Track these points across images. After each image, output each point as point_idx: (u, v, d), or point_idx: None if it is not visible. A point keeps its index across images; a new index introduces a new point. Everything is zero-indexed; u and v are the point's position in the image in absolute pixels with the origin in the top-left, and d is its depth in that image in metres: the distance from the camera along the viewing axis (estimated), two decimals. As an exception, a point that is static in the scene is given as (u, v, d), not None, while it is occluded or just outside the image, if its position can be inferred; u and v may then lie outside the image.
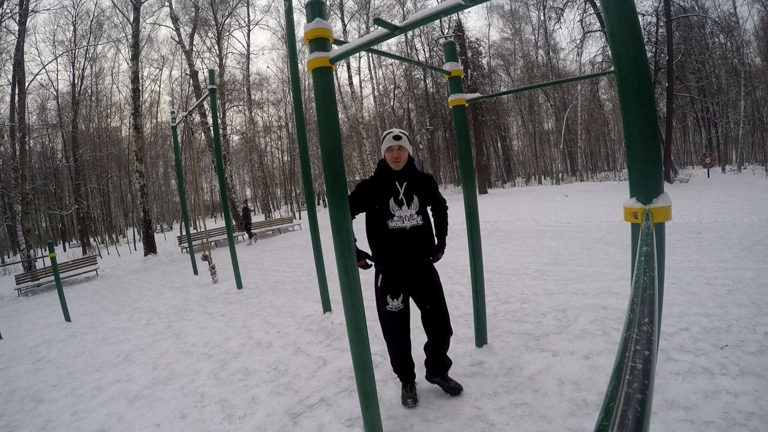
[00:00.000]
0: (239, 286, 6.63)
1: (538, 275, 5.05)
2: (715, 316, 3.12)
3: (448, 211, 2.46)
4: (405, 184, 2.18)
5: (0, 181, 17.31)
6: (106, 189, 24.30)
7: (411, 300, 2.36)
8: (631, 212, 1.21)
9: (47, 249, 6.86)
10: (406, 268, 2.23)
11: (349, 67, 26.27)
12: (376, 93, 28.35)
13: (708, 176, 17.55)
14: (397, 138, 2.13)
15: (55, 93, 22.35)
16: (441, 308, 2.31)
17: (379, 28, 1.67)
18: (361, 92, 30.57)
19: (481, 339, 3.12)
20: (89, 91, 23.70)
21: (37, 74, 18.39)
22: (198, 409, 2.80)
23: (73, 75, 20.69)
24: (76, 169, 20.00)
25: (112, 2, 16.48)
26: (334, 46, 1.91)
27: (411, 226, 2.16)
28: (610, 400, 0.35)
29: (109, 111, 26.63)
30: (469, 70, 23.58)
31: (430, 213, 2.36)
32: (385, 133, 2.19)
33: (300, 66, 17.15)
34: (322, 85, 1.82)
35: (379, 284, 2.29)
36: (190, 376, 3.37)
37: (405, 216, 2.16)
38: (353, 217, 2.15)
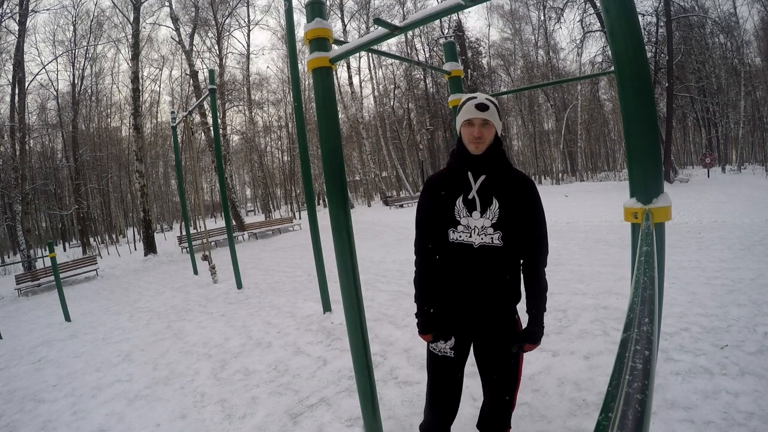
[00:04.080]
0: (239, 286, 6.63)
1: (538, 275, 5.05)
2: (715, 316, 3.12)
3: (547, 260, 1.44)
4: (483, 177, 1.38)
5: (0, 181, 17.31)
6: (106, 189, 24.29)
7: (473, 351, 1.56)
8: (631, 212, 1.21)
9: (47, 249, 6.86)
10: (467, 309, 1.43)
11: (349, 67, 26.28)
12: (376, 93, 28.34)
13: (708, 176, 17.54)
14: (482, 108, 1.34)
15: (55, 93, 22.33)
16: (505, 400, 1.53)
17: (379, 28, 1.67)
18: (361, 92, 30.56)
19: (481, 339, 3.12)
20: (89, 91, 23.69)
21: (37, 74, 18.39)
22: (198, 409, 2.81)
23: (73, 75, 20.69)
24: (76, 169, 19.99)
25: (112, 2, 16.48)
26: (334, 46, 1.91)
27: (480, 244, 1.36)
28: (610, 400, 0.35)
29: (109, 111, 26.61)
30: (469, 70, 23.60)
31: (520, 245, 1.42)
32: (464, 99, 1.41)
33: (300, 66, 17.14)
34: (322, 85, 1.82)
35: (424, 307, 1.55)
36: (190, 376, 3.37)
37: (475, 227, 1.36)
38: (429, 245, 1.48)
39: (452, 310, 1.46)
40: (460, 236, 1.38)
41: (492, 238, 1.35)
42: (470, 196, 1.38)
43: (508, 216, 1.35)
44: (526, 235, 1.38)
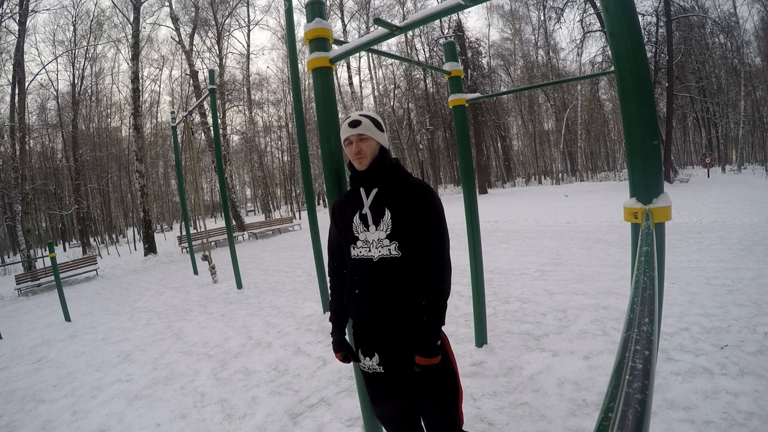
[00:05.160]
0: (239, 286, 6.63)
1: (538, 275, 5.05)
2: (715, 316, 3.12)
3: (446, 267, 1.36)
4: (374, 191, 1.42)
5: (0, 181, 17.31)
6: (106, 189, 24.30)
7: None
8: (631, 212, 1.21)
9: (47, 249, 6.86)
10: (375, 323, 1.40)
11: (349, 67, 26.29)
12: (376, 93, 28.37)
13: (708, 176, 17.55)
14: (354, 124, 1.40)
15: (55, 93, 22.34)
16: (443, 416, 1.42)
17: (379, 28, 1.67)
18: (361, 92, 30.60)
19: (481, 339, 3.12)
20: (89, 91, 23.70)
21: (37, 74, 18.41)
22: (198, 409, 2.81)
23: (73, 75, 20.68)
24: (76, 169, 19.99)
25: (112, 2, 16.49)
26: (334, 46, 1.91)
27: (380, 257, 1.36)
28: (610, 400, 0.35)
29: (109, 111, 26.63)
30: (469, 70, 23.58)
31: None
32: (343, 119, 1.47)
33: (300, 66, 17.15)
34: (322, 85, 1.82)
35: (352, 327, 1.55)
36: (190, 376, 3.37)
37: (372, 241, 1.38)
38: (339, 268, 1.54)
39: (364, 326, 1.44)
40: (360, 251, 1.40)
41: (389, 249, 1.35)
42: (364, 211, 1.41)
43: (403, 225, 1.35)
44: (420, 241, 1.35)
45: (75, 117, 20.47)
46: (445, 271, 1.36)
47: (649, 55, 12.97)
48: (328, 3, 23.09)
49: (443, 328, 1.38)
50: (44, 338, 5.39)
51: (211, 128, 13.95)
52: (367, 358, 1.44)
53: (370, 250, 1.38)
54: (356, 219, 1.42)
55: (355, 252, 1.42)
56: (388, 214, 1.36)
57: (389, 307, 1.35)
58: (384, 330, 1.39)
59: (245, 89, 25.20)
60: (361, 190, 1.45)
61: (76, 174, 20.12)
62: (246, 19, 24.10)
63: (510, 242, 7.68)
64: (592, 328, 3.23)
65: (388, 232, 1.35)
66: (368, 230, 1.39)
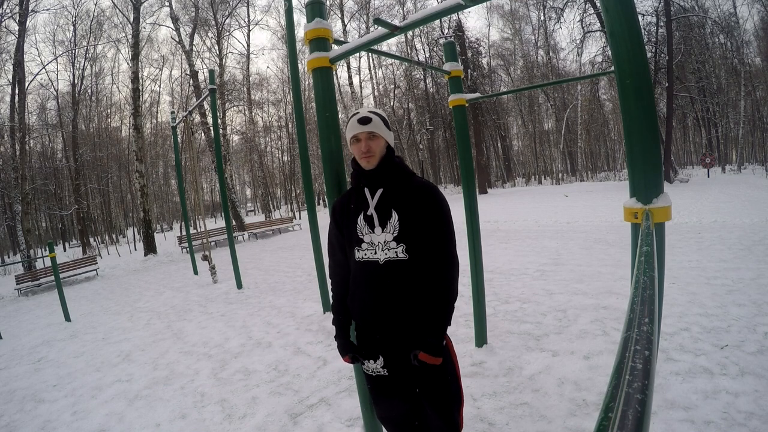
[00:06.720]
0: (239, 286, 6.63)
1: (538, 275, 5.05)
2: (715, 316, 3.12)
3: (454, 268, 1.34)
4: (380, 192, 1.36)
5: (0, 181, 17.31)
6: (106, 189, 24.29)
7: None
8: (631, 212, 1.21)
9: (47, 249, 6.86)
10: (381, 326, 1.38)
11: (349, 67, 26.30)
12: (376, 93, 28.38)
13: (708, 176, 17.55)
14: (364, 121, 1.35)
15: (55, 93, 22.35)
16: (445, 420, 1.43)
17: (379, 28, 1.66)
18: (361, 92, 30.62)
19: (481, 339, 3.12)
20: (89, 91, 23.71)
21: (37, 74, 18.41)
22: (198, 409, 2.81)
23: (73, 75, 20.68)
24: (76, 169, 19.99)
25: (112, 2, 16.49)
26: (334, 46, 1.91)
27: (386, 260, 1.32)
28: (610, 400, 0.35)
29: (109, 111, 26.64)
30: (469, 70, 23.57)
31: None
32: (350, 115, 1.42)
33: (300, 66, 17.14)
34: (322, 85, 1.81)
35: (355, 330, 1.52)
36: (190, 376, 3.37)
37: (378, 243, 1.33)
38: (340, 270, 1.50)
39: (369, 329, 1.41)
40: (366, 254, 1.35)
41: (396, 252, 1.31)
42: (369, 213, 1.35)
43: (410, 227, 1.31)
44: (428, 242, 1.32)
45: (75, 117, 20.47)
46: (454, 273, 1.33)
47: (649, 55, 12.97)
48: (328, 3, 23.09)
49: (448, 330, 1.37)
50: (44, 338, 5.39)
51: (211, 128, 13.94)
52: (371, 361, 1.42)
53: (375, 253, 1.33)
54: (361, 220, 1.36)
55: (359, 254, 1.37)
56: (395, 216, 1.32)
57: (396, 311, 1.32)
58: (389, 333, 1.37)
59: (245, 89, 25.21)
60: (366, 190, 1.39)
61: (76, 174, 20.12)
62: (246, 19, 24.13)
63: (510, 242, 7.68)
64: (592, 328, 3.23)
65: (395, 235, 1.31)
66: (374, 232, 1.34)
